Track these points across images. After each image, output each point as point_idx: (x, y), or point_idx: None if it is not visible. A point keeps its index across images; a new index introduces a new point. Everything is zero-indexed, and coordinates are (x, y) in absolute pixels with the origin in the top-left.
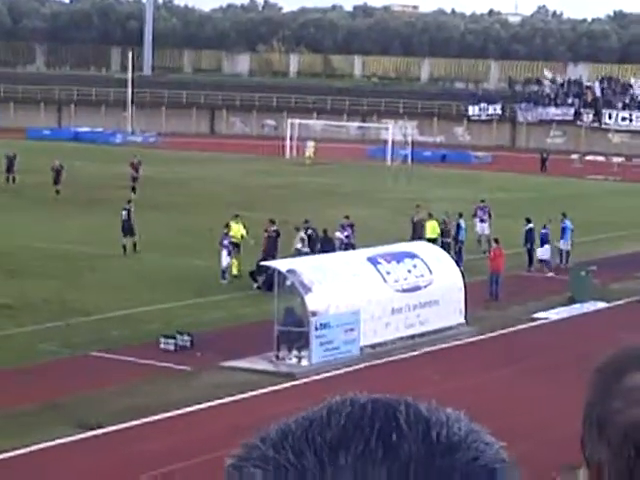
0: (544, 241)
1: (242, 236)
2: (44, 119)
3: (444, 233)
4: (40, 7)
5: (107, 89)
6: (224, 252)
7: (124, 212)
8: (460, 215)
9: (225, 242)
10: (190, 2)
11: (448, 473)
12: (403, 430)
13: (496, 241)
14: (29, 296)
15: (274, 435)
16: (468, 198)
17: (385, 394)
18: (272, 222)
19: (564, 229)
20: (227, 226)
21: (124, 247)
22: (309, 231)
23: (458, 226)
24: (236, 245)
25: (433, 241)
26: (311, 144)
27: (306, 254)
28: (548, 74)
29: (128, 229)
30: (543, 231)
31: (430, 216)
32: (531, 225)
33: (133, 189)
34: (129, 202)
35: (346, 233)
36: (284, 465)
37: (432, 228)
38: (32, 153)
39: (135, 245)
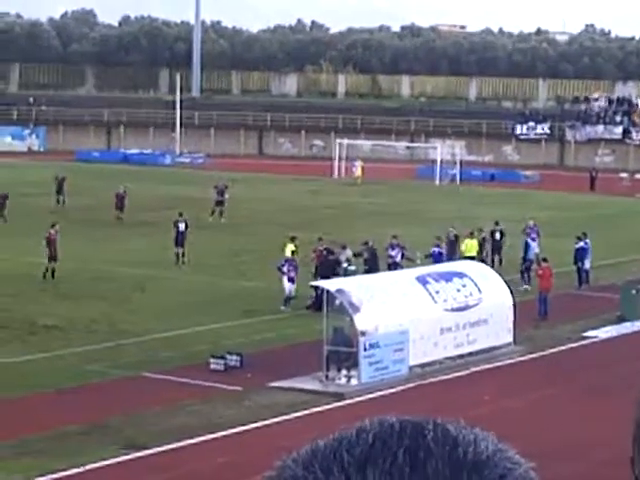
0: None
1: (292, 253)
2: (93, 141)
3: (481, 250)
4: (89, 31)
5: (156, 111)
6: (284, 278)
7: (181, 225)
8: (531, 235)
9: (284, 267)
10: (238, 23)
11: None
12: (430, 448)
13: (545, 260)
14: (79, 317)
15: (304, 455)
16: (517, 217)
17: (429, 415)
18: (321, 240)
19: (585, 249)
20: (294, 253)
21: (177, 256)
22: (365, 254)
23: (526, 244)
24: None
25: (471, 259)
26: (359, 164)
27: (353, 273)
28: (596, 95)
29: (181, 241)
30: (585, 246)
31: (471, 234)
32: (582, 243)
33: (212, 212)
34: (181, 215)
35: (394, 252)
36: None
37: (470, 246)
38: (81, 175)
39: (183, 254)
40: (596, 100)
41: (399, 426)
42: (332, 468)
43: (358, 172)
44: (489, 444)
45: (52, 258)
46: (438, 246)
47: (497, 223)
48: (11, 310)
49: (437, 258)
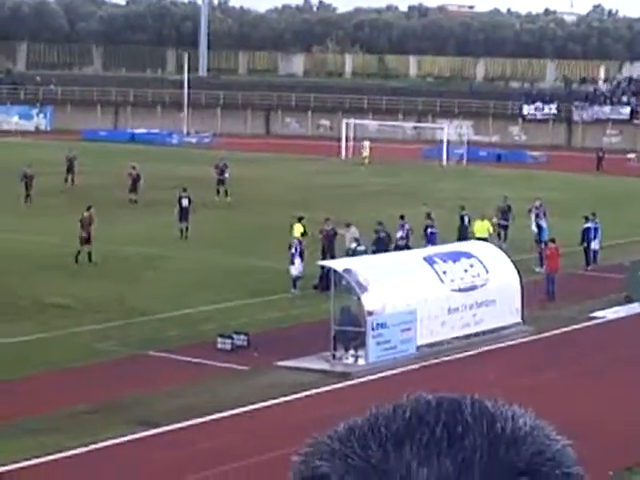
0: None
1: (302, 234)
2: (100, 121)
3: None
4: (96, 10)
5: (163, 90)
6: (297, 260)
7: (185, 200)
8: (540, 215)
9: (294, 248)
10: (245, 3)
11: (512, 465)
12: (468, 422)
13: (552, 240)
14: (88, 297)
15: (341, 431)
16: (524, 197)
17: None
18: (327, 220)
19: (595, 229)
20: (303, 234)
21: (181, 231)
22: (382, 234)
23: (539, 227)
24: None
25: (483, 241)
26: (367, 144)
27: (363, 253)
28: (602, 75)
29: (185, 216)
30: (595, 226)
31: (482, 216)
32: (589, 224)
33: (217, 191)
34: (185, 190)
35: (400, 233)
36: (349, 456)
37: (481, 228)
38: (88, 155)
39: (187, 229)
40: (605, 81)
41: (435, 402)
42: (369, 443)
43: (366, 152)
44: (527, 420)
45: (86, 241)
46: (432, 227)
47: (463, 208)
48: (20, 289)
49: (432, 238)
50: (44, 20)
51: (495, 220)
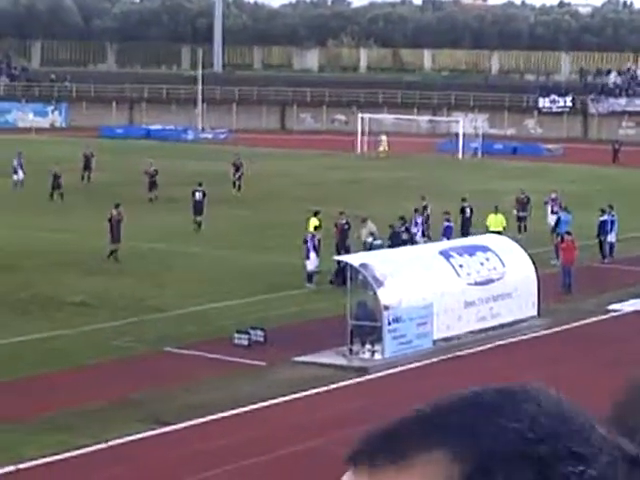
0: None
1: (315, 228)
2: (116, 117)
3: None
4: (110, 6)
5: (178, 87)
6: (312, 254)
7: (198, 193)
8: (563, 208)
9: (308, 242)
10: None
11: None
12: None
13: (568, 233)
14: (105, 293)
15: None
16: (540, 190)
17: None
18: (342, 214)
19: (612, 222)
20: (317, 228)
21: (195, 223)
22: (403, 227)
23: (558, 219)
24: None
25: (497, 234)
26: (384, 138)
27: (379, 247)
28: (612, 73)
29: (199, 209)
30: (611, 218)
31: (496, 209)
32: (605, 217)
33: (234, 184)
34: (200, 185)
35: (415, 229)
36: None
37: (495, 221)
38: (105, 152)
39: (200, 223)
40: (619, 74)
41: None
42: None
43: (384, 146)
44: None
45: (115, 239)
46: (448, 220)
47: (464, 199)
48: (37, 286)
49: (448, 232)
50: (59, 17)
51: (514, 212)
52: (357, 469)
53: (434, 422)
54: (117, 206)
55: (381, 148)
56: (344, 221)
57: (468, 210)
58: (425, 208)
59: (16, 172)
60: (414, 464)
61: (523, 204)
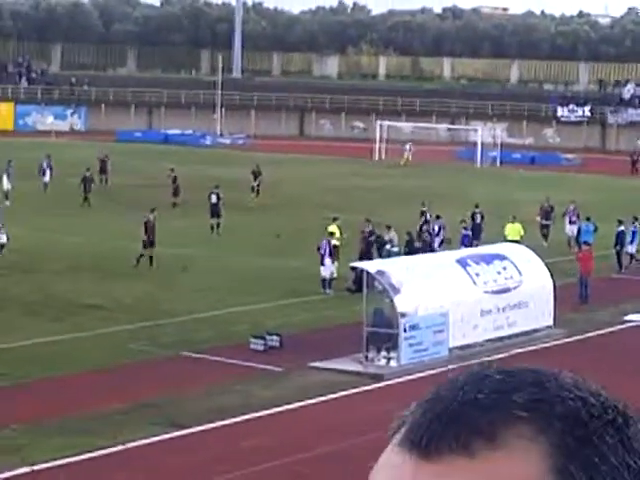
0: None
1: (330, 234)
2: (134, 121)
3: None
4: (131, 11)
5: (197, 92)
6: (328, 260)
7: (213, 196)
8: (585, 217)
9: (325, 248)
10: (279, 5)
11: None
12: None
13: (586, 243)
14: (121, 297)
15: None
16: (558, 200)
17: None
18: (368, 222)
19: (634, 233)
20: (331, 234)
21: (211, 227)
22: (426, 234)
23: (579, 228)
24: (334, 247)
25: (515, 243)
26: (408, 146)
27: (397, 254)
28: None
29: (216, 212)
30: (634, 229)
31: (514, 218)
32: (622, 227)
33: (253, 188)
34: (217, 187)
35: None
36: None
37: (512, 230)
38: (123, 155)
39: (219, 225)
40: (637, 85)
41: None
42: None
43: (408, 154)
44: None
45: (150, 244)
46: (465, 228)
47: (477, 206)
48: (54, 289)
49: (466, 240)
50: (79, 21)
51: (537, 219)
52: (427, 454)
53: (505, 401)
54: (152, 210)
55: (405, 156)
56: (369, 229)
57: (479, 216)
58: (423, 214)
59: (44, 174)
60: (505, 444)
61: (547, 212)
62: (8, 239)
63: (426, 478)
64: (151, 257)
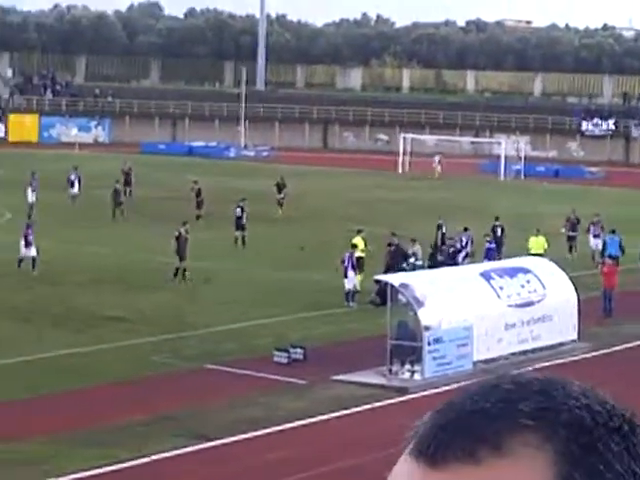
0: None
1: (353, 246)
2: (158, 133)
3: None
4: (155, 23)
5: (221, 104)
6: (350, 272)
7: (238, 209)
8: (610, 230)
9: (346, 261)
10: (303, 17)
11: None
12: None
13: (611, 257)
14: (144, 309)
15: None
16: (581, 213)
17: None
18: (394, 235)
19: None
20: (354, 246)
21: (235, 239)
22: (451, 248)
23: (604, 242)
24: (359, 259)
25: (539, 256)
26: (437, 158)
27: (420, 267)
28: None
29: (240, 225)
30: None
31: (537, 231)
32: None
33: (279, 201)
34: (243, 200)
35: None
36: None
37: (536, 243)
38: (147, 167)
39: (244, 238)
40: None
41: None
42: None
43: (437, 166)
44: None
45: (181, 257)
46: (490, 242)
47: (497, 219)
48: (77, 301)
49: (490, 254)
50: (103, 33)
51: (563, 231)
52: (434, 463)
53: (511, 410)
54: (184, 224)
55: (436, 169)
56: (395, 242)
57: (499, 230)
58: (440, 227)
59: (72, 186)
60: (511, 452)
61: (573, 224)
62: (38, 252)
63: None
64: (184, 270)
